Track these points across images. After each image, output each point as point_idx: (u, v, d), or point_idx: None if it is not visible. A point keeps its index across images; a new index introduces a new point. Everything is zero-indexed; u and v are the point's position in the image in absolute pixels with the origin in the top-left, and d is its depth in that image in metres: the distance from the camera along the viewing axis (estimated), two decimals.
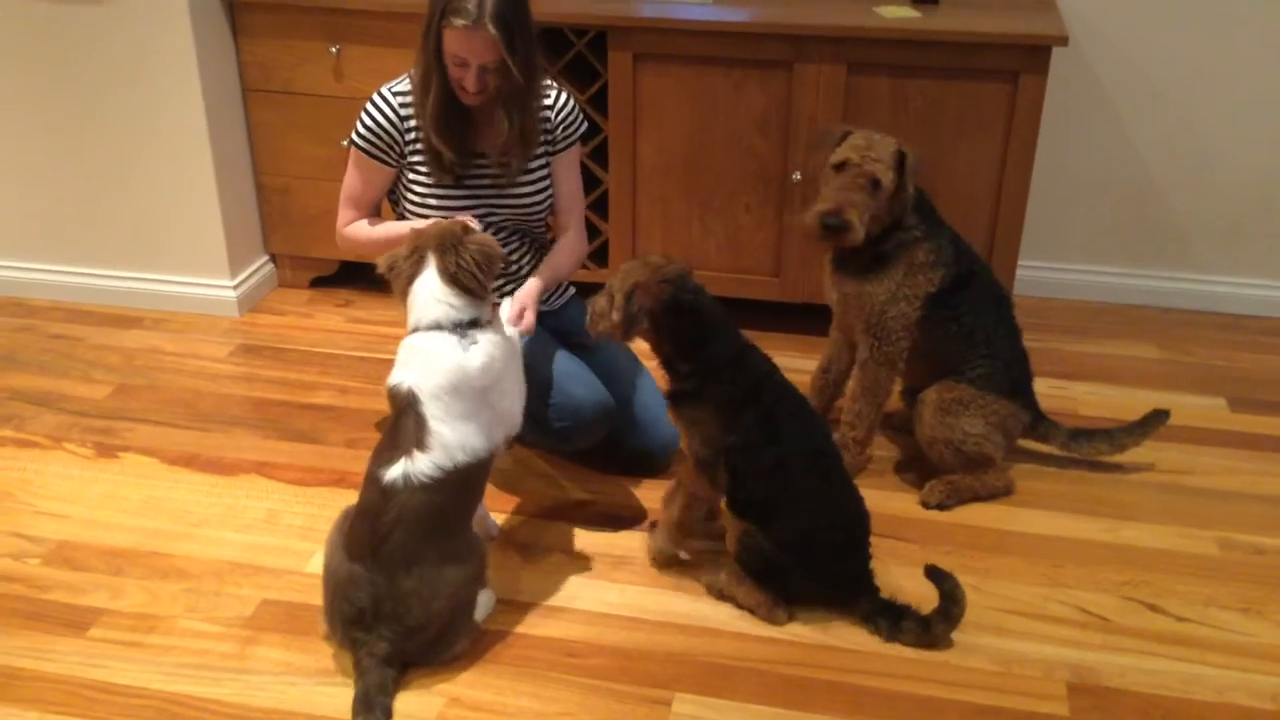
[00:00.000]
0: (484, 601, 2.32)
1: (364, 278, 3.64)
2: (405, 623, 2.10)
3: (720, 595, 2.38)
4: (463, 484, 2.17)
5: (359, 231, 2.71)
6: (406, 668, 2.17)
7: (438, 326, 2.22)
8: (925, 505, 2.75)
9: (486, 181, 2.66)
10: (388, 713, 2.08)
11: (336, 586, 2.14)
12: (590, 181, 3.48)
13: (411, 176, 2.66)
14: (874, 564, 2.40)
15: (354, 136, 2.64)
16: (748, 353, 2.32)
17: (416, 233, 2.31)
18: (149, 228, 3.61)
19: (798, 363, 3.23)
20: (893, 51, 3.13)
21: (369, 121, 2.61)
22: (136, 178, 3.54)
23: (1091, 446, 2.83)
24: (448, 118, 2.55)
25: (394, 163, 2.65)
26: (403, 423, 2.17)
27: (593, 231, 3.54)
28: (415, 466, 2.11)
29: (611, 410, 2.68)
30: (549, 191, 2.75)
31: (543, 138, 2.69)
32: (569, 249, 2.78)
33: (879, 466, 2.87)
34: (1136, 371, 3.36)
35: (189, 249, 3.61)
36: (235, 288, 3.64)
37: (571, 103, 2.74)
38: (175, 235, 3.60)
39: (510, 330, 2.38)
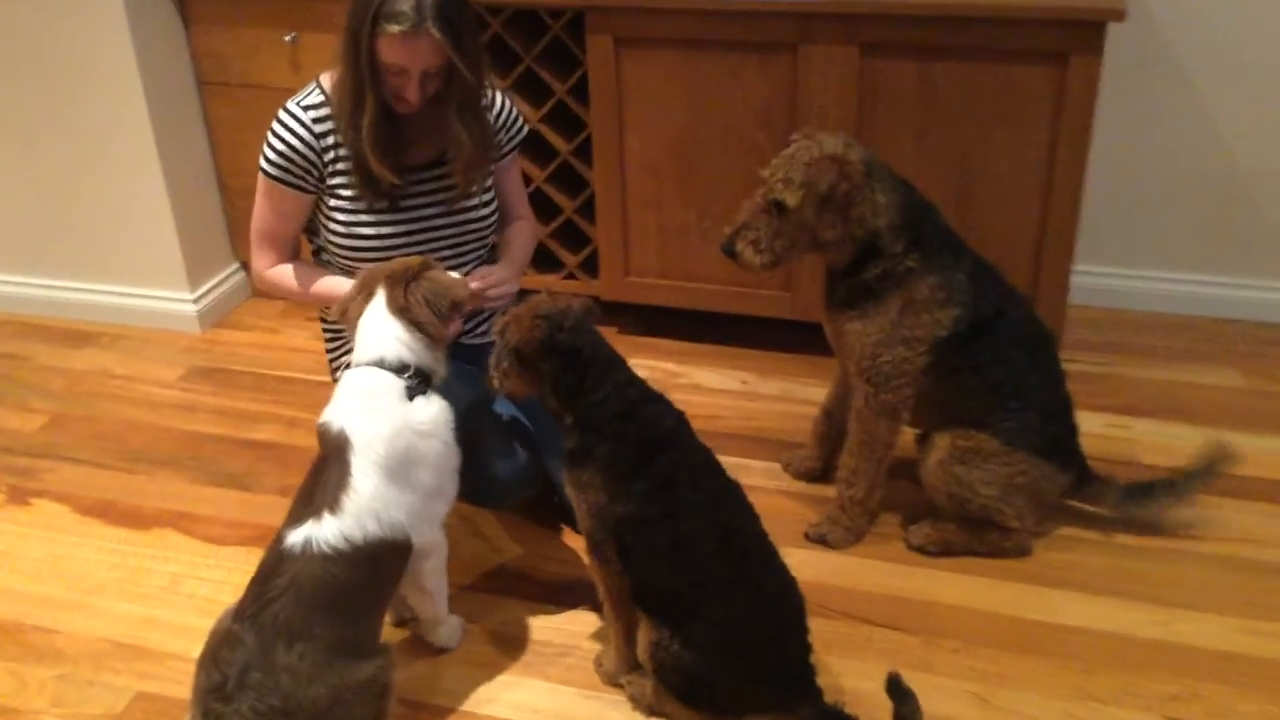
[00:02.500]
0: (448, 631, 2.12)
1: None
2: (269, 700, 1.72)
3: (650, 712, 1.97)
4: (371, 563, 1.84)
5: (286, 280, 2.32)
6: None
7: (379, 363, 1.96)
8: (907, 545, 2.34)
9: (425, 200, 2.28)
10: None
11: (209, 645, 1.80)
12: (577, 184, 3.07)
13: (333, 204, 2.28)
14: (857, 661, 1.99)
15: (262, 163, 2.27)
16: (646, 405, 1.89)
17: (368, 271, 2.05)
18: (101, 236, 3.32)
19: (812, 391, 2.79)
20: (916, 30, 2.62)
21: (279, 145, 2.23)
22: (85, 182, 3.23)
23: (1153, 504, 2.33)
24: (388, 136, 2.17)
25: (312, 188, 2.28)
26: (325, 473, 1.88)
27: (581, 239, 3.14)
28: (320, 533, 1.81)
29: (531, 478, 2.31)
30: (494, 205, 2.36)
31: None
32: (524, 234, 2.46)
33: (881, 531, 2.41)
34: (1216, 405, 2.81)
35: (144, 260, 3.30)
36: (195, 301, 3.32)
37: (509, 103, 2.35)
38: (129, 244, 3.30)
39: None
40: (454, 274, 2.10)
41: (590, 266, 3.15)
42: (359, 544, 1.83)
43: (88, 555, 2.46)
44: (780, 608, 1.87)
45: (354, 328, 2.01)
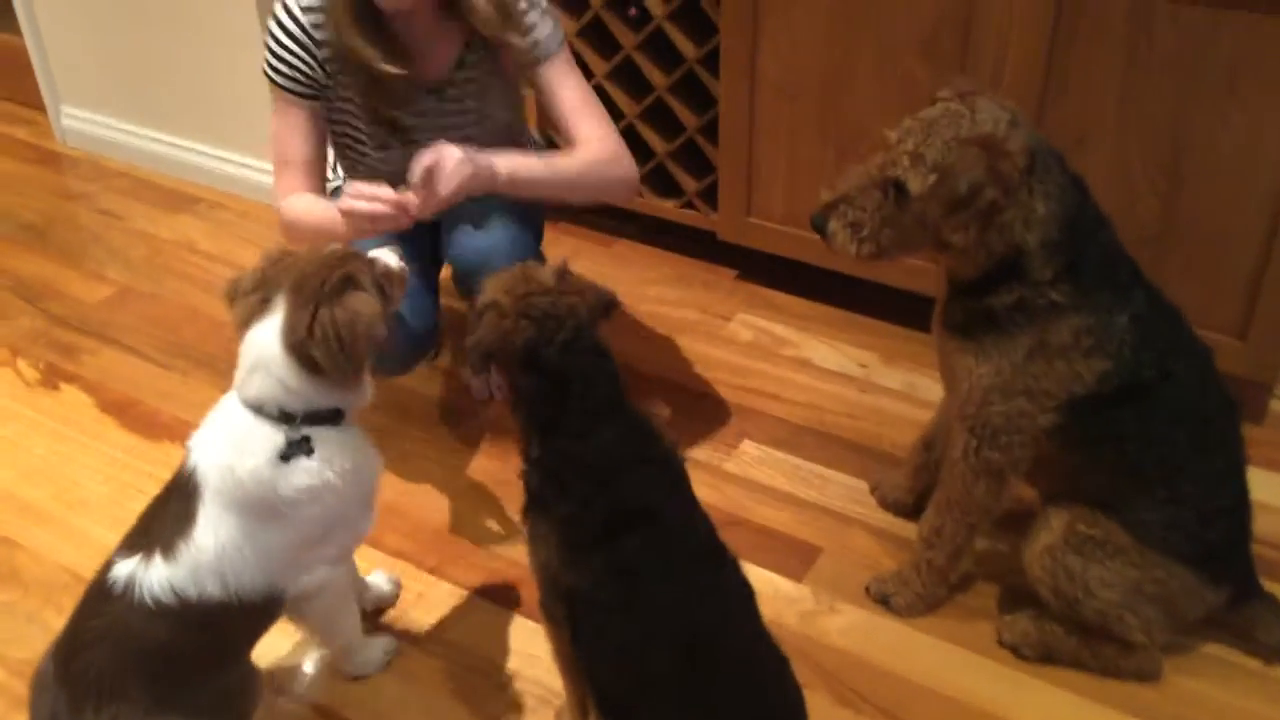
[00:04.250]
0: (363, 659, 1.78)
1: None
2: None
3: None
4: (202, 626, 1.48)
5: (291, 210, 1.97)
6: None
7: (258, 409, 1.50)
8: (999, 639, 1.82)
9: (438, 130, 1.93)
10: None
11: (33, 678, 1.52)
12: (705, 98, 2.56)
13: (335, 128, 1.98)
14: None
15: (265, 69, 1.93)
16: (631, 470, 1.41)
17: (276, 259, 1.53)
18: (216, 94, 3.08)
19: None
20: None
21: (275, 47, 1.91)
22: (199, 38, 2.99)
23: None
24: (376, 31, 1.83)
25: (315, 94, 1.94)
26: (170, 502, 1.52)
27: (704, 164, 2.64)
28: (148, 576, 1.46)
29: (425, 343, 2.09)
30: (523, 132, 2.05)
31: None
32: (583, 152, 1.98)
33: (969, 603, 1.89)
34: None
35: (254, 128, 3.04)
36: None
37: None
38: (243, 110, 3.05)
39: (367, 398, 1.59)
40: (391, 261, 1.58)
41: (711, 197, 2.66)
42: (191, 602, 1.46)
43: (87, 461, 2.27)
44: None
45: (238, 324, 1.51)
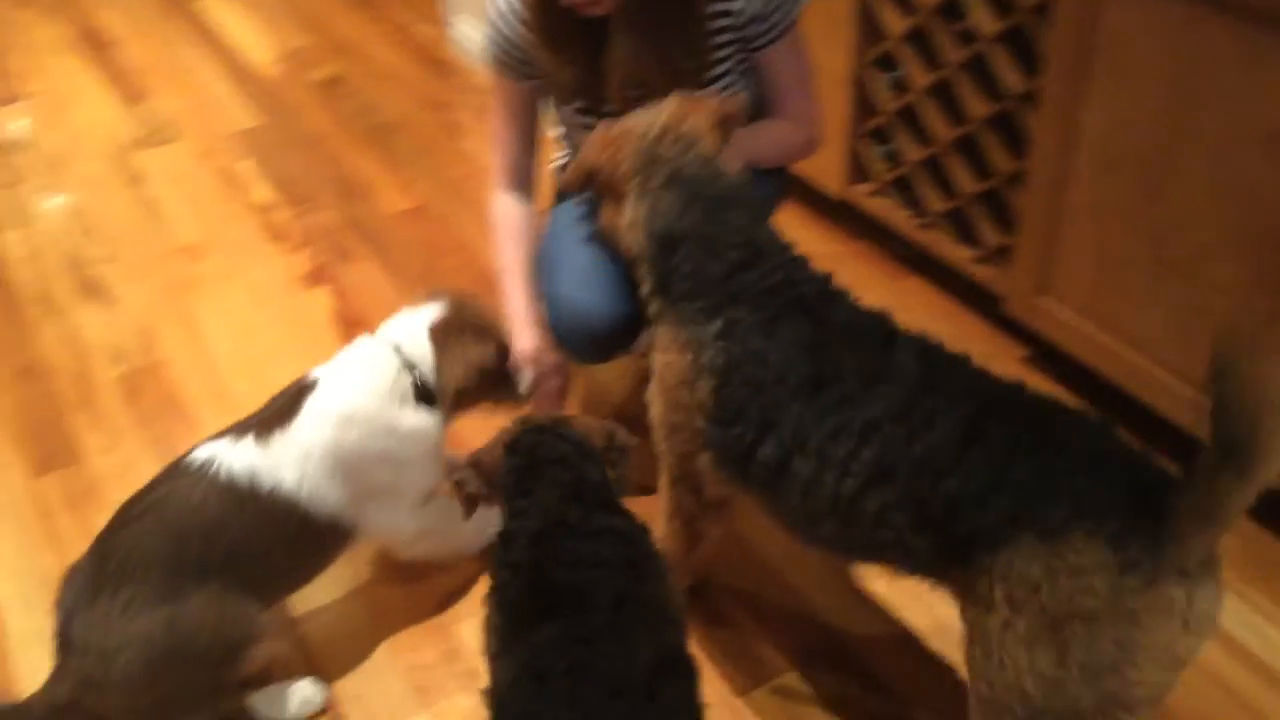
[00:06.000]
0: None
1: None
2: (84, 664, 1.47)
3: None
4: (258, 518, 1.54)
5: (492, 226, 1.91)
6: None
7: (396, 349, 1.71)
8: None
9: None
10: None
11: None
12: (1021, 142, 2.14)
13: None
14: None
15: (484, 42, 1.86)
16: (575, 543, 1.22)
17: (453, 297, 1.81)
18: None
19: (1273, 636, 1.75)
20: None
21: (491, 16, 1.79)
22: None
23: None
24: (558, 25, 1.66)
25: (525, 76, 1.81)
26: (280, 401, 1.66)
27: (1010, 218, 2.23)
28: (232, 454, 1.57)
29: (613, 331, 1.78)
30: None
31: (723, 38, 1.72)
32: (776, 129, 1.84)
33: None
34: None
35: None
36: None
37: None
38: None
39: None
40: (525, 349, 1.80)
41: (1009, 258, 2.24)
42: (261, 491, 1.54)
43: (297, 366, 2.36)
44: None
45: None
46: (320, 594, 1.86)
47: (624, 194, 1.48)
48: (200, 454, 1.57)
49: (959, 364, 1.27)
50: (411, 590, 1.86)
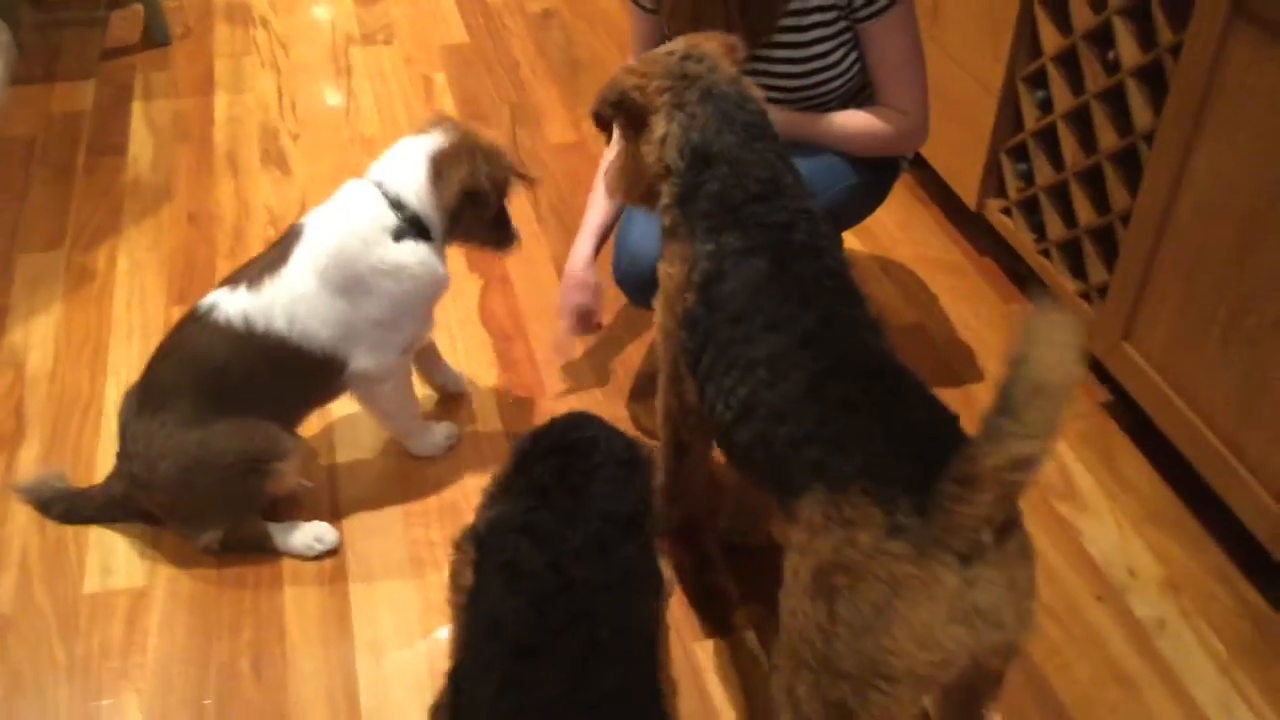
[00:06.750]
0: (423, 441, 2.04)
1: None
2: (136, 467, 1.77)
3: None
4: (265, 360, 1.73)
5: (605, 159, 2.00)
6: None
7: (380, 185, 1.81)
8: None
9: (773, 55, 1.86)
10: (63, 516, 1.90)
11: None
12: (1131, 178, 2.08)
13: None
14: None
15: None
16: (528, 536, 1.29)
17: (458, 124, 1.88)
18: None
19: None
20: None
21: None
22: None
23: None
24: None
25: (653, 8, 1.90)
26: (273, 249, 1.81)
27: (1112, 255, 2.17)
28: (229, 301, 1.75)
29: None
30: (849, 77, 1.89)
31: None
32: (857, 118, 1.90)
33: None
34: None
35: None
36: None
37: None
38: None
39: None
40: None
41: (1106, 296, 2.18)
42: (256, 333, 1.71)
43: None
44: None
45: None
46: (358, 449, 2.06)
47: (655, 111, 1.55)
48: (206, 301, 1.76)
49: (855, 330, 1.33)
50: (439, 472, 2.03)
